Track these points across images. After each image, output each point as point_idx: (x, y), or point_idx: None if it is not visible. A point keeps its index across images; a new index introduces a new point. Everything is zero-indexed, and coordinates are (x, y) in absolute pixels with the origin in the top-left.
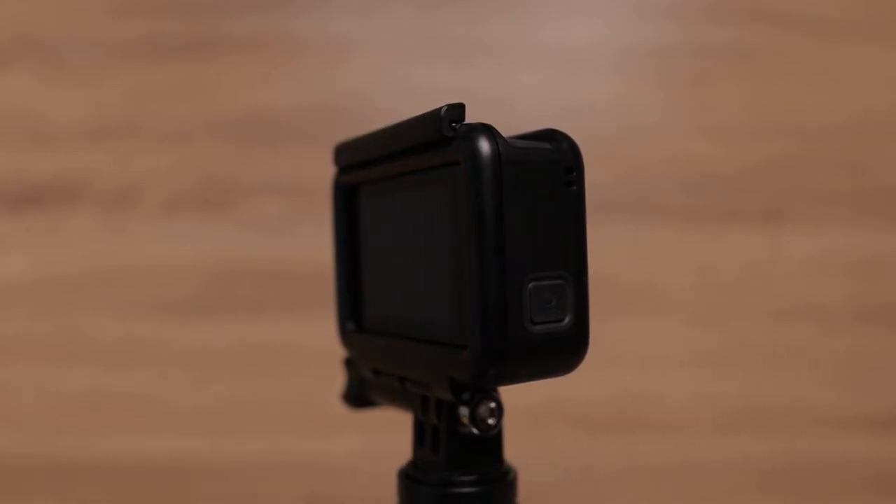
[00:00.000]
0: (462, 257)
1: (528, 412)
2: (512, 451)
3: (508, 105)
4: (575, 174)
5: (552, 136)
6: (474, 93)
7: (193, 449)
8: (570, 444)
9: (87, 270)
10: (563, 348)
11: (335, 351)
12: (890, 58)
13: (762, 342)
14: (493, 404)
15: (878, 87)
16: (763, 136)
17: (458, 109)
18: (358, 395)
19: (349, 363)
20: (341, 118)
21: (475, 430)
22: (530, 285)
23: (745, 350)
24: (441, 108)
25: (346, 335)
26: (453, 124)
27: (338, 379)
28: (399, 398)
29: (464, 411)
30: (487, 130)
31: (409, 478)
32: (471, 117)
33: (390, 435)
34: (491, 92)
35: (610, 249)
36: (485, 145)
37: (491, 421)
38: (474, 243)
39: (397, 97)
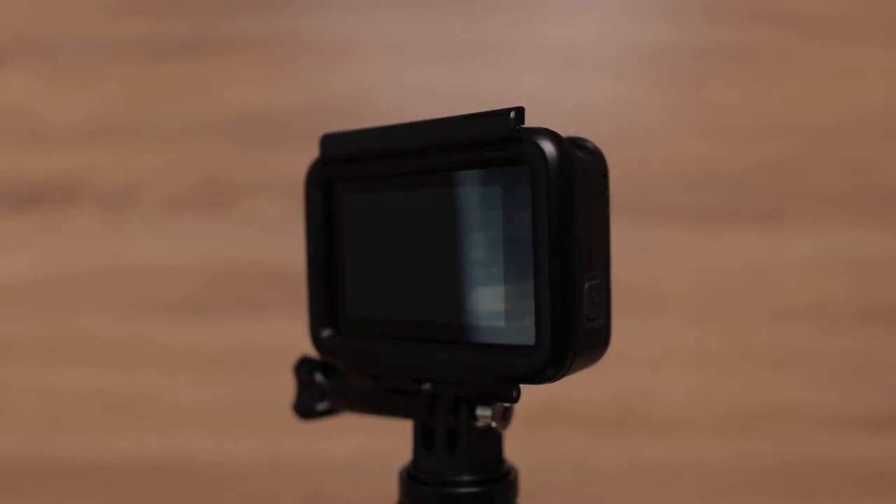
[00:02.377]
0: (529, 257)
1: (528, 412)
2: (512, 451)
3: (508, 105)
4: (607, 180)
5: (580, 144)
6: (474, 93)
7: (193, 449)
8: (569, 444)
9: (87, 270)
10: (600, 343)
11: None
12: (890, 58)
13: (762, 342)
14: (507, 402)
15: (878, 87)
16: (763, 136)
17: (522, 112)
18: (311, 404)
19: (303, 370)
20: (341, 118)
21: (494, 425)
22: (586, 285)
23: (745, 350)
24: (508, 109)
25: (324, 342)
26: (518, 126)
27: None
28: (397, 403)
29: (485, 411)
30: (554, 134)
31: (413, 478)
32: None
33: (390, 435)
34: (491, 92)
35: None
36: (558, 148)
37: (507, 417)
38: (549, 245)
39: (397, 97)
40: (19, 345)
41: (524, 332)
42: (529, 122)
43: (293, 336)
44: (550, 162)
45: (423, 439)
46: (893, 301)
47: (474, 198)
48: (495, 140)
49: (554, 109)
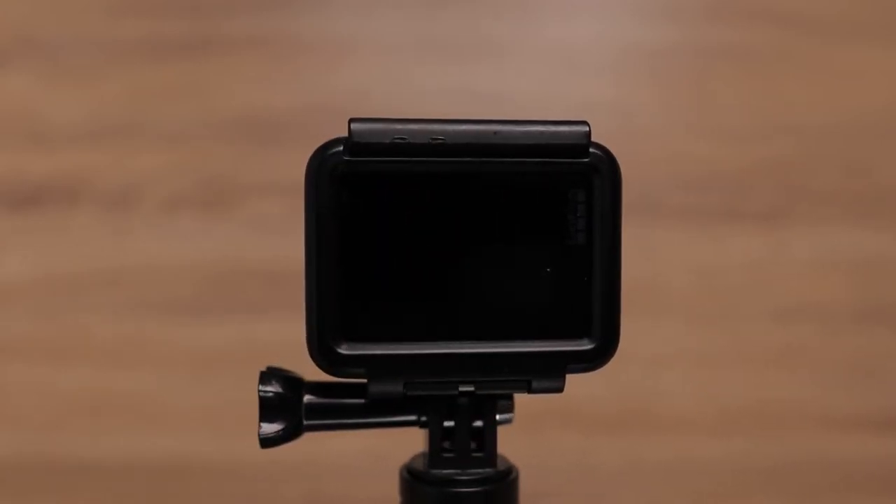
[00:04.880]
0: (580, 257)
1: (528, 412)
2: (512, 451)
3: (508, 105)
4: None
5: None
6: (474, 93)
7: (193, 449)
8: (570, 444)
9: (87, 270)
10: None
11: None
12: (890, 58)
13: (763, 342)
14: (555, 392)
15: (878, 87)
16: (763, 136)
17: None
18: (292, 427)
19: (274, 389)
20: (341, 118)
21: (509, 418)
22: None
23: (746, 350)
24: (580, 120)
25: (342, 358)
26: (590, 139)
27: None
28: (410, 409)
29: (506, 403)
30: (606, 147)
31: (415, 477)
32: (471, 116)
33: (390, 434)
34: (491, 92)
35: None
36: (614, 160)
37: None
38: (609, 246)
39: (397, 97)
40: (19, 345)
41: (575, 325)
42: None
43: (294, 336)
44: (615, 171)
45: (442, 441)
46: (894, 301)
47: (529, 201)
48: (565, 150)
49: (554, 109)
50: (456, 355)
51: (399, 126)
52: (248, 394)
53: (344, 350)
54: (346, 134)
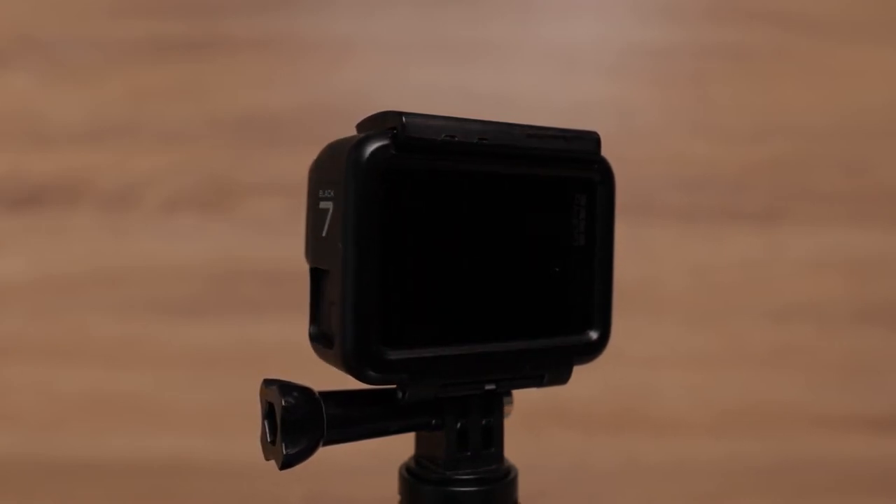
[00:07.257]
0: (589, 257)
1: (527, 412)
2: (511, 451)
3: (508, 105)
4: None
5: None
6: (474, 93)
7: (193, 449)
8: (568, 444)
9: (87, 270)
10: None
11: None
12: (890, 58)
13: (761, 342)
14: (562, 384)
15: (877, 87)
16: (762, 136)
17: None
18: (313, 442)
19: (300, 407)
20: (341, 118)
21: (510, 411)
22: None
23: (743, 350)
24: (591, 131)
25: (390, 364)
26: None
27: (336, 379)
28: (427, 412)
29: (508, 399)
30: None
31: (416, 477)
32: (471, 116)
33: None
34: (491, 92)
35: None
36: (611, 167)
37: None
38: (606, 247)
39: (397, 97)
40: (19, 345)
41: (579, 320)
42: (529, 121)
43: (293, 336)
44: (613, 180)
45: (459, 440)
46: (891, 301)
47: (543, 205)
48: (580, 156)
49: (553, 109)
50: (487, 355)
51: (452, 123)
52: (248, 394)
53: (392, 355)
54: (351, 133)
